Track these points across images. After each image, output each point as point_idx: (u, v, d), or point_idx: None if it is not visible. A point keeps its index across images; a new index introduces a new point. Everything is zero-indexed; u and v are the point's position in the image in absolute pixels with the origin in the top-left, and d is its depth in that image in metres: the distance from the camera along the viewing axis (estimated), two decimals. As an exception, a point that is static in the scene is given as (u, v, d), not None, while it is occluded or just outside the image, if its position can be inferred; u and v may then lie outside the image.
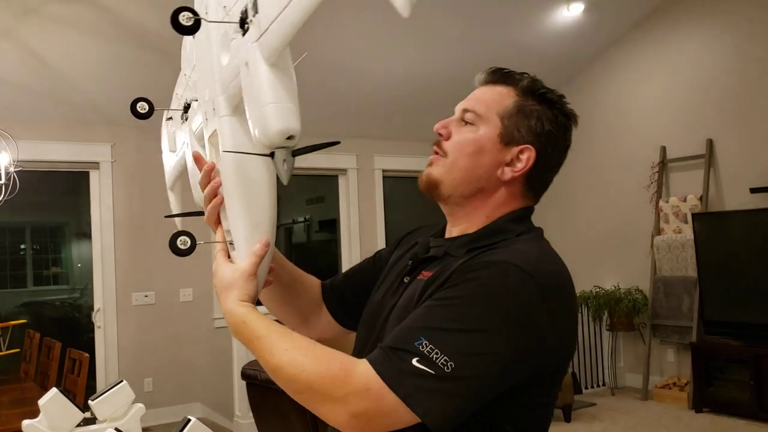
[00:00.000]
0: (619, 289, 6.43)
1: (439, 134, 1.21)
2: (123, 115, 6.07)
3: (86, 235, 6.20)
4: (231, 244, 1.20)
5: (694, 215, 5.83)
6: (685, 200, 6.05)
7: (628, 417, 5.54)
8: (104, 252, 5.82)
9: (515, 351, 1.01)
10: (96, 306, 5.83)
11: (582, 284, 6.69)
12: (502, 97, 1.20)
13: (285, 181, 1.16)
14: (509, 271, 1.03)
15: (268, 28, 1.04)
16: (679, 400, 5.84)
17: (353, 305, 1.38)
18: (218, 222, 1.31)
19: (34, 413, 1.47)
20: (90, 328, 5.94)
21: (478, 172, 1.18)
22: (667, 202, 6.20)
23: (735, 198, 5.79)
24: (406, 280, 1.23)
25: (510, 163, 1.18)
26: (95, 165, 5.85)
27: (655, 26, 6.42)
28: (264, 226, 1.18)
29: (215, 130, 1.22)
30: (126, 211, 5.92)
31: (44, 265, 9.03)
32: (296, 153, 1.17)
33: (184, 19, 1.13)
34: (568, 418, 5.45)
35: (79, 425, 1.45)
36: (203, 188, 1.27)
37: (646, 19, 6.47)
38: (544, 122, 1.19)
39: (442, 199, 1.22)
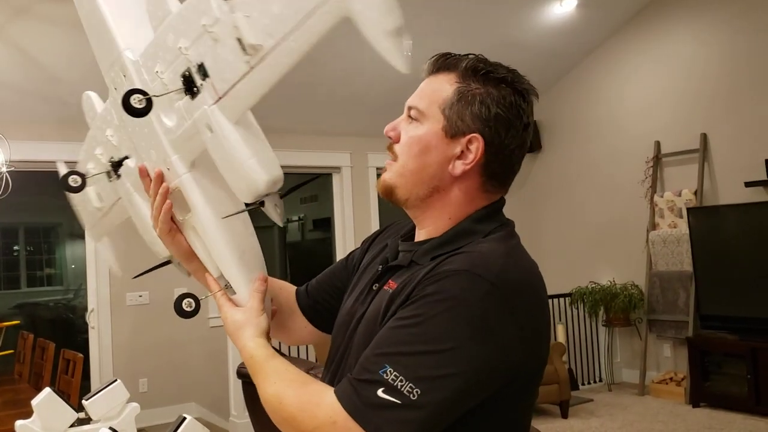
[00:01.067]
0: (615, 284, 6.43)
1: (389, 137, 1.15)
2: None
3: (80, 236, 6.18)
4: (227, 287, 1.24)
5: (689, 210, 5.83)
6: (679, 195, 6.05)
7: (626, 412, 5.54)
8: (98, 252, 5.78)
9: (482, 366, 0.97)
10: (90, 306, 5.80)
11: (577, 280, 6.69)
12: (443, 86, 1.12)
13: (281, 224, 1.19)
14: (469, 281, 0.98)
15: (227, 93, 1.06)
16: (675, 395, 5.84)
17: (328, 310, 1.35)
18: (173, 235, 1.30)
19: (28, 414, 1.45)
20: (84, 328, 5.91)
21: (428, 171, 1.12)
22: (662, 196, 6.20)
23: (729, 192, 5.79)
24: (375, 288, 1.19)
25: (461, 156, 1.10)
26: (88, 165, 5.81)
27: (648, 21, 6.42)
28: (248, 254, 1.23)
29: (176, 187, 1.24)
30: (119, 211, 5.88)
31: (38, 266, 8.99)
32: (282, 195, 1.19)
33: (136, 101, 1.13)
34: (565, 414, 5.44)
35: (72, 425, 1.43)
36: (154, 194, 1.25)
37: (639, 14, 6.47)
38: (490, 105, 1.09)
39: (400, 204, 1.17)
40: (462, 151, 1.10)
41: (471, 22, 5.82)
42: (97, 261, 5.77)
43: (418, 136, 1.11)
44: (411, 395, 0.94)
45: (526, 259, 1.10)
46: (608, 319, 6.42)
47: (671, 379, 6.01)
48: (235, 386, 5.06)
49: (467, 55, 1.13)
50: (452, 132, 1.10)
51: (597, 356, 6.65)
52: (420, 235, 1.19)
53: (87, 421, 1.48)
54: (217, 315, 6.06)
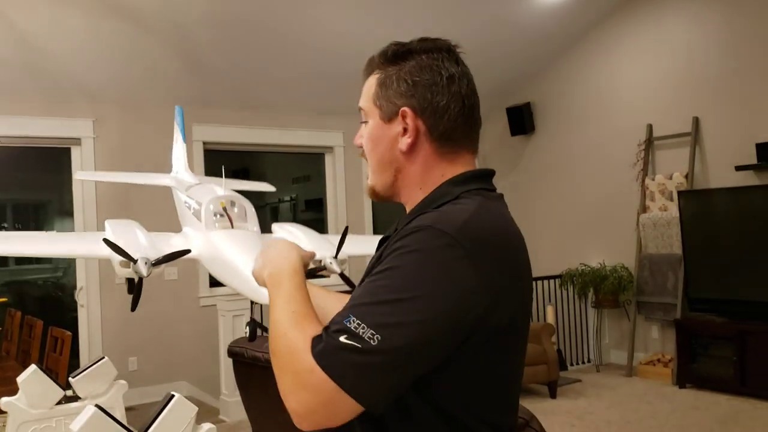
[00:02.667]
0: (605, 266, 6.45)
1: (359, 147, 1.26)
2: (105, 90, 6.00)
3: (69, 213, 6.13)
4: None
5: (679, 193, 5.84)
6: (670, 178, 6.05)
7: (613, 393, 5.59)
8: (87, 229, 5.75)
9: (443, 316, 1.00)
10: (79, 285, 5.77)
11: (568, 262, 6.71)
12: (370, 83, 1.22)
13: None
14: (431, 235, 1.03)
15: None
16: (663, 376, 5.89)
17: None
18: None
19: (15, 392, 1.44)
20: (73, 307, 5.89)
21: (385, 158, 1.21)
22: (653, 179, 6.20)
23: (720, 176, 5.80)
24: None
25: (403, 133, 1.18)
26: (77, 141, 5.76)
27: (641, 4, 6.38)
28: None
29: None
30: (108, 188, 5.84)
31: (26, 243, 8.92)
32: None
33: None
34: (553, 395, 5.48)
35: (60, 403, 1.42)
36: None
37: (634, -4, 6.44)
38: (407, 79, 1.17)
39: (385, 200, 1.25)
40: (403, 129, 1.18)
41: (466, 3, 5.78)
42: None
43: (368, 133, 1.22)
44: (371, 341, 0.96)
45: (497, 218, 1.14)
46: (597, 301, 6.45)
47: (659, 360, 6.06)
48: (226, 365, 5.07)
49: (384, 47, 1.23)
50: (387, 116, 1.19)
51: (586, 337, 6.69)
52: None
53: (75, 398, 1.47)
54: (207, 294, 6.02)
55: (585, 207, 6.91)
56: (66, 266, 8.09)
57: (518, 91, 7.46)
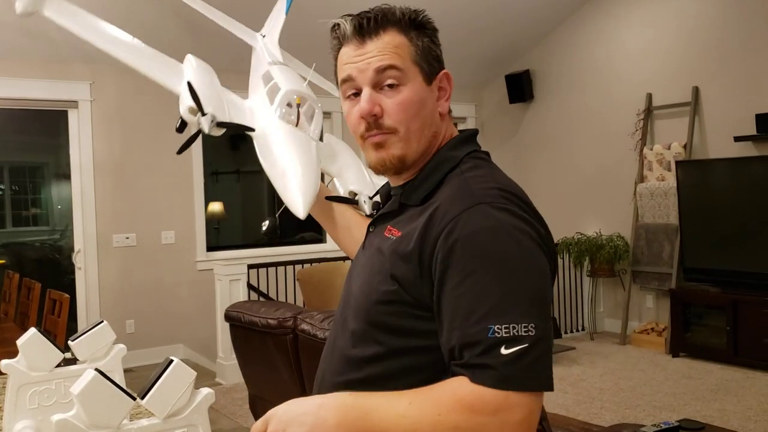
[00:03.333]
0: (601, 235, 6.47)
1: (374, 116, 1.13)
2: (102, 52, 5.93)
3: (66, 176, 6.11)
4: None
5: (677, 163, 5.84)
6: (669, 148, 6.04)
7: (607, 361, 5.64)
8: (84, 193, 5.74)
9: (545, 268, 1.05)
10: (76, 247, 5.78)
11: (564, 230, 6.72)
12: (398, 41, 1.14)
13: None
14: (477, 213, 1.03)
15: None
16: (656, 344, 5.94)
17: None
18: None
19: (13, 353, 1.46)
20: (71, 269, 5.91)
21: (427, 123, 1.16)
22: (651, 149, 6.19)
23: (719, 146, 5.80)
24: (371, 230, 1.25)
25: (440, 95, 1.19)
26: (73, 104, 5.72)
27: (645, -30, 6.31)
28: None
29: None
30: (106, 152, 5.82)
31: (23, 206, 8.92)
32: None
33: None
34: (547, 362, 5.53)
35: (59, 365, 1.44)
36: None
37: (637, -37, 6.37)
38: (435, 41, 1.20)
39: (405, 170, 1.18)
40: (440, 91, 1.19)
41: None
42: (83, 201, 5.74)
43: (409, 97, 1.13)
44: (529, 333, 0.96)
45: (506, 177, 1.16)
46: (593, 270, 6.48)
47: (652, 329, 6.11)
48: (223, 328, 5.10)
49: (386, 7, 1.17)
50: (430, 78, 1.17)
51: (580, 306, 6.74)
52: (405, 178, 1.22)
53: (73, 361, 1.49)
54: (205, 258, 6.04)
55: (582, 176, 6.91)
56: (63, 228, 8.10)
57: (517, 58, 7.40)
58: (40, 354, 1.40)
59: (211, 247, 6.38)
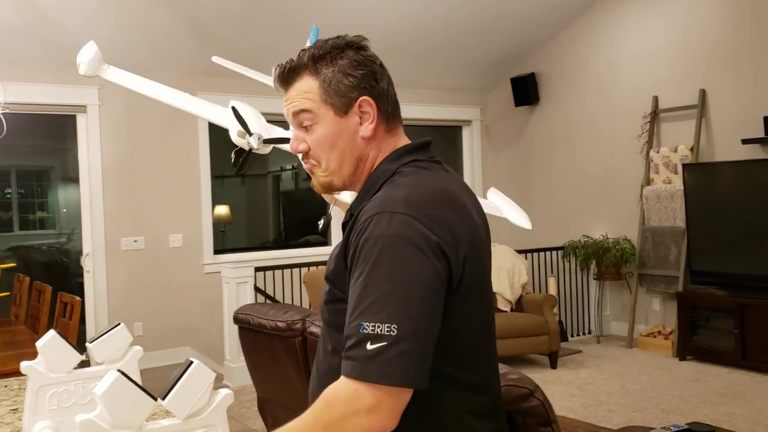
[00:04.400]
0: (608, 238, 6.47)
1: (301, 152, 1.30)
2: (112, 57, 5.95)
3: (73, 179, 6.14)
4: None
5: (684, 165, 5.83)
6: (675, 150, 6.04)
7: (613, 364, 5.64)
8: (92, 197, 5.77)
9: (430, 280, 1.10)
10: (85, 251, 5.81)
11: (570, 234, 6.73)
12: (307, 86, 1.26)
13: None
14: (382, 220, 1.12)
15: None
16: (663, 348, 5.94)
17: None
18: None
19: (27, 355, 1.48)
20: (78, 272, 5.93)
21: (346, 152, 1.27)
22: (658, 152, 6.19)
23: (726, 149, 5.79)
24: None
25: (362, 122, 1.26)
26: (82, 108, 5.75)
27: (651, -27, 6.32)
28: None
29: None
30: (114, 156, 5.85)
31: (30, 209, 8.95)
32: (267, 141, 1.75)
33: None
34: (554, 365, 5.53)
35: (77, 367, 1.46)
36: None
37: (643, -34, 6.37)
38: (351, 72, 1.25)
39: (342, 190, 1.33)
40: (361, 116, 1.26)
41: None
42: (92, 205, 5.77)
43: (323, 134, 1.26)
44: (391, 332, 1.05)
45: (431, 182, 1.23)
46: (599, 273, 6.48)
47: (659, 332, 6.10)
48: (230, 331, 5.12)
49: (299, 54, 1.28)
50: (344, 109, 1.25)
51: (587, 309, 6.74)
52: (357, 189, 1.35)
53: (87, 363, 1.51)
54: (212, 261, 6.07)
55: (588, 179, 6.91)
56: (70, 232, 8.13)
57: (523, 61, 7.41)
58: (59, 355, 1.42)
59: (217, 250, 6.40)
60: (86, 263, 5.79)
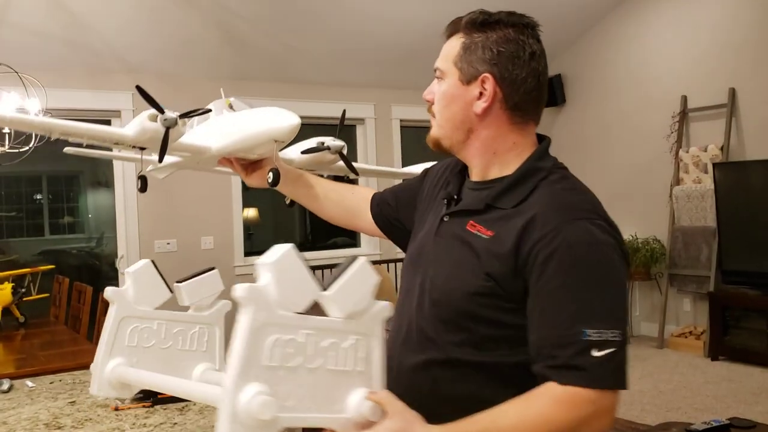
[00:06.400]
0: (637, 238, 6.45)
1: (427, 101, 1.34)
2: (144, 62, 6.06)
3: (101, 184, 6.23)
4: None
5: (714, 165, 5.81)
6: (705, 150, 6.02)
7: (645, 364, 5.62)
8: (127, 200, 5.86)
9: (626, 284, 1.18)
10: (120, 253, 5.90)
11: (599, 234, 6.70)
12: (453, 45, 1.28)
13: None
14: (585, 228, 1.14)
15: None
16: (694, 348, 5.91)
17: (390, 222, 1.59)
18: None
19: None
20: (111, 275, 6.02)
21: (458, 117, 1.28)
22: (687, 152, 6.17)
23: (757, 147, 5.76)
24: (446, 219, 1.31)
25: (480, 97, 1.25)
26: (117, 113, 5.84)
27: (679, -27, 6.30)
28: None
29: None
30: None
31: (60, 214, 9.08)
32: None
33: None
34: (585, 365, 5.52)
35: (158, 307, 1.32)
36: None
37: (670, -34, 6.36)
38: (492, 47, 1.24)
39: (448, 151, 1.34)
40: (480, 93, 1.25)
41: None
42: (126, 208, 5.85)
43: (443, 91, 1.29)
44: (616, 338, 1.09)
45: (586, 188, 1.27)
46: (629, 273, 6.44)
47: (690, 332, 6.07)
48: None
49: (471, 13, 1.29)
50: (467, 79, 1.26)
51: (616, 309, 6.71)
52: (474, 174, 1.34)
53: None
54: (242, 263, 6.10)
55: (617, 179, 6.89)
56: (99, 236, 8.23)
57: (549, 62, 7.31)
58: (149, 288, 1.32)
59: (248, 252, 6.46)
60: (121, 265, 5.87)
